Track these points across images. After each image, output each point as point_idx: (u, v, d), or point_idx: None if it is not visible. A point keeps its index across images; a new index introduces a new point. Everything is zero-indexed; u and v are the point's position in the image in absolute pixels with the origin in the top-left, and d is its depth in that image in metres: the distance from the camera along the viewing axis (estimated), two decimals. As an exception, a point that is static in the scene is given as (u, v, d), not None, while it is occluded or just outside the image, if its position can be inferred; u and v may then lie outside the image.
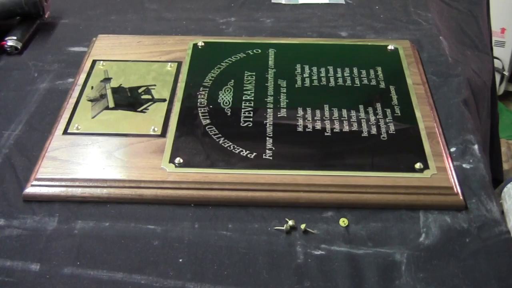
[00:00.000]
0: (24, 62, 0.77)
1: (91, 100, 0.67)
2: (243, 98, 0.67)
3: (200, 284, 0.50)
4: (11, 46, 0.78)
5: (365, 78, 0.70)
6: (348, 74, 0.71)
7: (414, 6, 0.87)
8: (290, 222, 0.55)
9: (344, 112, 0.65)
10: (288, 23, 0.84)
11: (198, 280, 0.51)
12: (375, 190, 0.57)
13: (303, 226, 0.54)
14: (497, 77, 1.70)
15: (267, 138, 0.61)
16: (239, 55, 0.74)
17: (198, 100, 0.67)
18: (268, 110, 0.65)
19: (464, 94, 0.70)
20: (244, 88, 0.69)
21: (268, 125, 0.63)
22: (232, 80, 0.69)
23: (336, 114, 0.65)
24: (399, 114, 0.65)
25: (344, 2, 0.89)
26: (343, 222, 0.55)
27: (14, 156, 0.63)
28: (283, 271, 0.51)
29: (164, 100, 0.67)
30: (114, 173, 0.58)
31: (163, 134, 0.63)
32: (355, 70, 0.71)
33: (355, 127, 0.63)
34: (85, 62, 0.73)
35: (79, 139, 0.62)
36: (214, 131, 0.62)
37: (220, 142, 0.61)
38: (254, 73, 0.70)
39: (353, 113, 0.65)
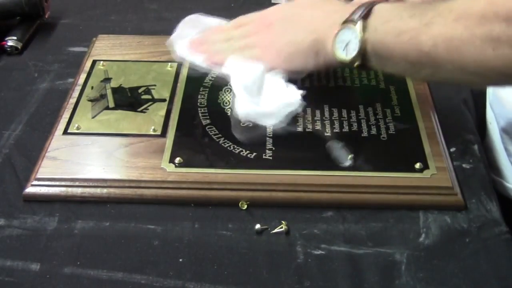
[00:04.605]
0: (24, 62, 0.77)
1: (91, 100, 0.67)
2: (243, 98, 0.67)
3: (200, 284, 0.50)
4: (11, 46, 0.78)
5: (365, 78, 0.70)
6: (347, 74, 0.71)
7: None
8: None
9: (344, 112, 0.65)
10: (288, 23, 0.84)
11: (198, 280, 0.51)
12: (375, 190, 0.57)
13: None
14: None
15: (267, 138, 0.61)
16: (239, 55, 0.74)
17: (198, 100, 0.67)
18: (268, 110, 0.65)
19: (464, 94, 0.70)
20: (244, 88, 0.69)
21: (268, 125, 0.63)
22: (232, 80, 0.69)
23: (336, 114, 0.65)
24: (399, 114, 0.65)
25: (344, 2, 0.89)
26: (242, 205, 0.57)
27: (14, 156, 0.63)
28: (283, 271, 0.51)
29: (164, 100, 0.67)
30: (114, 173, 0.58)
31: (163, 134, 0.63)
32: (354, 70, 0.71)
33: (355, 127, 0.63)
34: (85, 62, 0.73)
35: (79, 139, 0.62)
36: (214, 131, 0.62)
37: (220, 142, 0.61)
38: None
39: (353, 113, 0.65)
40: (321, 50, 0.59)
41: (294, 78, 0.63)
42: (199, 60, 0.66)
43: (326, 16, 0.60)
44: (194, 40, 0.68)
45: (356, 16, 0.54)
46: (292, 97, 0.60)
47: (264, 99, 0.61)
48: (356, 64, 0.55)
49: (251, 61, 0.62)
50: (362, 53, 0.54)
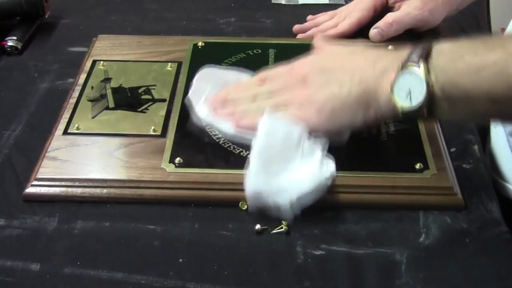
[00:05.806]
0: (24, 62, 0.77)
1: (91, 100, 0.67)
2: (243, 98, 0.67)
3: (200, 284, 0.50)
4: (11, 46, 0.78)
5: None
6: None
7: (414, 6, 0.87)
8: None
9: (344, 112, 0.65)
10: (288, 24, 0.84)
11: (198, 280, 0.51)
12: (375, 190, 0.57)
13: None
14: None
15: (267, 138, 0.61)
16: (239, 55, 0.74)
17: (198, 100, 0.67)
18: (268, 110, 0.65)
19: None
20: (244, 88, 0.68)
21: (268, 125, 0.63)
22: (232, 80, 0.69)
23: (336, 114, 0.65)
24: (399, 114, 0.65)
25: (344, 3, 0.89)
26: (242, 205, 0.56)
27: (14, 156, 0.63)
28: (283, 271, 0.51)
29: (164, 100, 0.67)
30: (114, 173, 0.58)
31: (163, 134, 0.63)
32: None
33: (355, 127, 0.63)
34: (85, 62, 0.73)
35: (79, 139, 0.62)
36: (214, 131, 0.62)
37: (220, 142, 0.61)
38: (254, 73, 0.70)
39: (353, 113, 0.65)
40: (372, 102, 0.52)
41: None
42: (226, 127, 0.60)
43: (372, 63, 0.53)
44: (215, 99, 0.62)
45: (415, 58, 0.48)
46: (324, 172, 0.55)
47: (289, 168, 0.55)
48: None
49: (289, 120, 0.56)
50: (430, 98, 0.48)
